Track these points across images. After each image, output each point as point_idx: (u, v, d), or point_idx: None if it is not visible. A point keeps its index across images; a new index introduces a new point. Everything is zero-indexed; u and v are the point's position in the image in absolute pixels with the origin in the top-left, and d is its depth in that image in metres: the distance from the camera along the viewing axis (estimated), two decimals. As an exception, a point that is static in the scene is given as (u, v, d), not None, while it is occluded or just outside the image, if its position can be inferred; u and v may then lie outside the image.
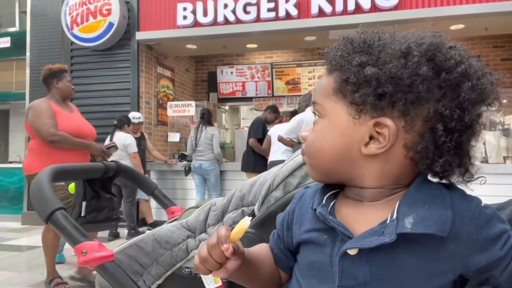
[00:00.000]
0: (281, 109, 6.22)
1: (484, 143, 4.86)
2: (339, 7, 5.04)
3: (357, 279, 0.51)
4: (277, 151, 4.57)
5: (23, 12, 6.42)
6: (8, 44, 6.76)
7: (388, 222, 0.51)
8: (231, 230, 0.54)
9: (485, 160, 4.76)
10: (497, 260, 0.52)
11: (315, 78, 7.10)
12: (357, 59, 0.52)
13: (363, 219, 0.54)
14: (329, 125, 0.55)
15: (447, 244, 0.51)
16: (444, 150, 0.51)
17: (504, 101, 5.53)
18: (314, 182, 0.73)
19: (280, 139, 4.45)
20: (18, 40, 6.52)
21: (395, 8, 4.91)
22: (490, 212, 0.53)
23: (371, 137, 0.53)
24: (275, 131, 4.64)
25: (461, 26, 5.17)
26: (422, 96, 0.50)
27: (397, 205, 0.52)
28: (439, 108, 0.50)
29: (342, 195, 0.59)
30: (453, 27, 5.21)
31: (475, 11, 4.74)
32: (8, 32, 6.77)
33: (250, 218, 0.56)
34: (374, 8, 4.95)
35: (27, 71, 6.22)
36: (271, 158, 4.61)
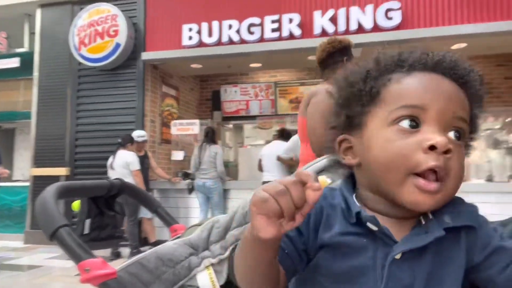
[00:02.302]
0: (285, 127, 6.25)
1: (489, 162, 4.84)
2: (341, 27, 5.13)
3: (402, 281, 0.53)
4: (268, 172, 4.75)
5: (32, 33, 6.58)
6: (17, 64, 6.90)
7: (424, 223, 0.55)
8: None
9: (490, 179, 4.72)
10: (497, 249, 0.56)
11: (318, 96, 7.15)
12: None
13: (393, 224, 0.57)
14: None
15: (475, 234, 0.56)
16: None
17: (508, 119, 5.52)
18: None
19: (279, 159, 4.60)
20: (26, 60, 6.66)
21: (398, 28, 4.98)
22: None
23: None
24: (265, 153, 4.83)
25: (464, 45, 5.22)
26: None
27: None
28: None
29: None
30: (455, 46, 5.27)
31: (478, 30, 4.79)
32: (17, 53, 6.93)
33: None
34: (376, 28, 5.03)
35: (34, 90, 6.32)
36: (263, 178, 4.75)
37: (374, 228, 0.55)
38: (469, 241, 0.56)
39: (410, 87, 0.57)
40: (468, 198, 0.59)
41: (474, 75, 0.59)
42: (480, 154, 5.08)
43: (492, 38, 4.99)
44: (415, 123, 0.54)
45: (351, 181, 0.63)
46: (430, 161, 0.51)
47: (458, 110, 0.56)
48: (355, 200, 0.59)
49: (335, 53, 2.07)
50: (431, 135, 0.53)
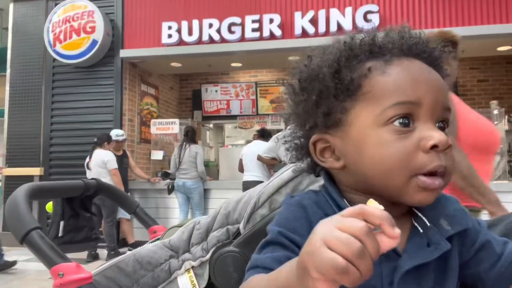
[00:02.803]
0: (266, 127, 6.25)
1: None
2: (321, 28, 5.16)
3: None
4: (248, 172, 4.72)
5: (4, 29, 6.34)
6: (-13, 60, 6.65)
7: (422, 230, 0.53)
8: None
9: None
10: (484, 245, 0.56)
11: (299, 97, 7.20)
12: None
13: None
14: None
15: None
16: None
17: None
18: None
19: (259, 158, 4.60)
20: (-1, 56, 6.42)
21: (376, 30, 5.05)
22: None
23: None
24: (245, 152, 4.81)
25: (439, 48, 5.35)
26: None
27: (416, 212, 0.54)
28: None
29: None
30: (431, 49, 5.40)
31: (452, 34, 4.92)
32: (-12, 48, 6.67)
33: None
34: (355, 29, 5.08)
35: (7, 87, 6.09)
36: (244, 178, 4.72)
37: None
38: (460, 240, 0.56)
39: (399, 79, 0.51)
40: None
41: (443, 56, 0.57)
42: (455, 154, 5.21)
43: (466, 42, 5.10)
44: (410, 120, 0.50)
45: (334, 183, 0.57)
46: (433, 161, 0.48)
47: (445, 99, 0.53)
48: None
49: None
50: (429, 132, 0.49)
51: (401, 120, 0.50)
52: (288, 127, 0.61)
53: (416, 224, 0.53)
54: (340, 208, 0.53)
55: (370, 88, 0.51)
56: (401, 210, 0.55)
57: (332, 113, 0.53)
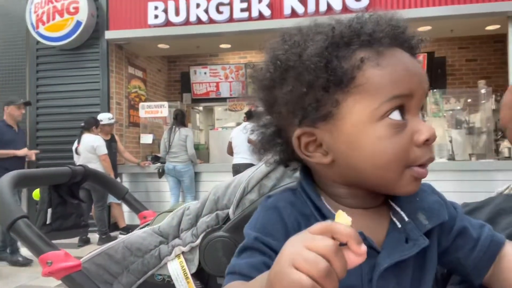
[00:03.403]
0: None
1: (450, 141, 5.05)
2: (311, 8, 5.09)
3: None
4: (238, 154, 4.71)
5: (-16, 10, 6.13)
6: (-33, 43, 6.43)
7: (400, 225, 0.52)
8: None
9: (452, 158, 4.93)
10: (461, 231, 0.56)
11: (288, 78, 7.16)
12: None
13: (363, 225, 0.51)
14: None
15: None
16: None
17: (469, 100, 5.76)
18: (289, 183, 0.72)
19: (250, 141, 4.57)
20: (-21, 39, 6.22)
21: (366, 9, 5.00)
22: None
23: None
24: (235, 135, 4.79)
25: (428, 27, 5.34)
26: None
27: (393, 205, 0.54)
28: None
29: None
30: (420, 29, 5.38)
31: (441, 13, 4.90)
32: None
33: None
34: (345, 9, 5.04)
35: (-11, 71, 5.94)
36: (234, 161, 4.72)
37: None
38: (438, 230, 0.55)
39: (395, 72, 0.49)
40: (431, 177, 0.54)
41: (421, 42, 0.54)
42: (443, 134, 5.28)
43: (454, 21, 5.12)
44: (402, 113, 0.49)
45: (311, 179, 0.55)
46: (426, 155, 0.50)
47: (427, 87, 0.52)
48: (329, 208, 0.52)
49: None
50: (419, 126, 0.49)
51: (394, 113, 0.49)
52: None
53: (394, 219, 0.53)
54: (316, 207, 0.52)
55: (365, 81, 0.48)
56: (378, 202, 0.54)
57: (321, 106, 0.50)
